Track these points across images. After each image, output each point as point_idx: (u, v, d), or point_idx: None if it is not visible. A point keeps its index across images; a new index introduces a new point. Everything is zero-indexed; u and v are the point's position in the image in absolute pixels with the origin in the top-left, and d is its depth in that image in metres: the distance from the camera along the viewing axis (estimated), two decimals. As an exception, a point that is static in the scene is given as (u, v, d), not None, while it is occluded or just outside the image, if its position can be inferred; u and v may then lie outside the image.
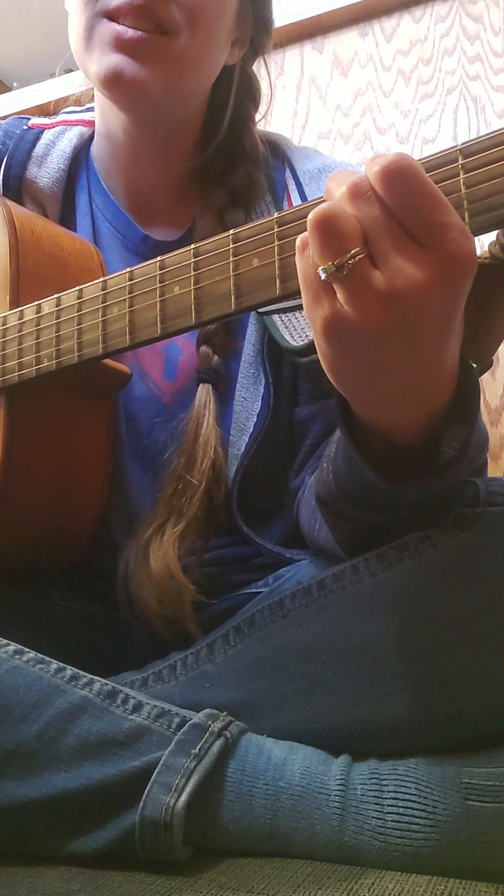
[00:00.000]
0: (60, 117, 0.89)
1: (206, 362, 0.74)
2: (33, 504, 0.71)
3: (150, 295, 0.57)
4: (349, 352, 0.44)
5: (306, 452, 0.75)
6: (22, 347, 0.66)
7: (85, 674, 0.59)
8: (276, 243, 0.49)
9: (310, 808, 0.53)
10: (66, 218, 0.83)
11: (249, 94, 0.83)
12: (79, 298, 0.63)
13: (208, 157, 0.81)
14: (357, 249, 0.41)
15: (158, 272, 0.57)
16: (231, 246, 0.52)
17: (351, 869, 0.50)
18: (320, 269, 0.42)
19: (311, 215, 0.41)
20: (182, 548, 0.68)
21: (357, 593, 0.58)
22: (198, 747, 0.54)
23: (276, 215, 0.50)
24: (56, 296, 0.64)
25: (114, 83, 0.69)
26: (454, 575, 0.55)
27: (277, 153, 0.84)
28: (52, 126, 0.86)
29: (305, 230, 0.43)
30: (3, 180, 0.82)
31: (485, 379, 1.16)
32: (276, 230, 0.50)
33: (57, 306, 0.64)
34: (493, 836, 0.49)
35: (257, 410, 0.73)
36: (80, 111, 0.89)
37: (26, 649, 0.60)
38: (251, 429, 0.73)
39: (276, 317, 0.72)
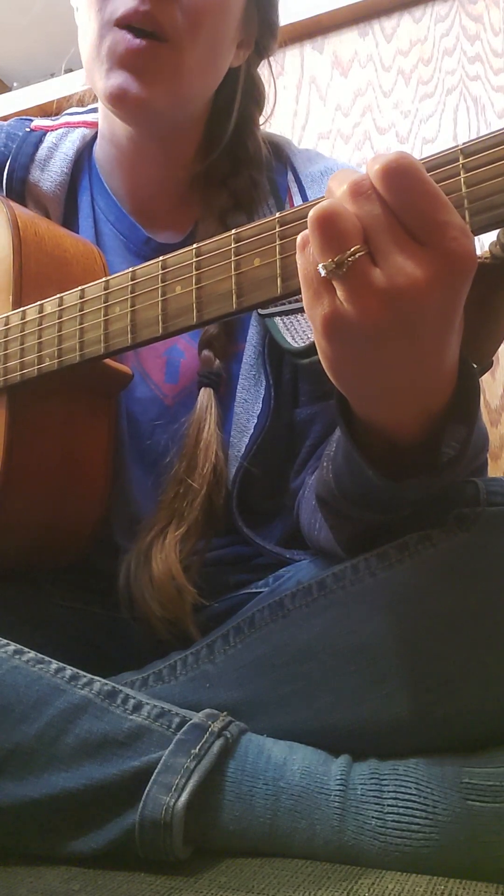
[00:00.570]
0: (63, 119, 0.89)
1: (208, 366, 0.74)
2: (34, 504, 0.71)
3: (152, 294, 0.57)
4: (349, 350, 0.44)
5: (307, 453, 0.75)
6: (24, 347, 0.66)
7: (85, 674, 0.59)
8: (278, 243, 0.50)
9: (310, 808, 0.53)
10: (69, 220, 0.83)
11: (253, 97, 0.83)
12: (81, 298, 0.63)
13: (212, 161, 0.81)
14: (357, 247, 0.41)
15: (160, 272, 0.57)
16: (233, 245, 0.52)
17: (351, 869, 0.50)
18: (320, 266, 0.42)
19: (311, 213, 0.42)
20: (183, 551, 0.69)
21: (357, 593, 0.58)
22: (198, 747, 0.54)
23: (277, 215, 0.50)
24: (58, 296, 0.65)
25: (119, 102, 0.70)
26: (454, 575, 0.55)
27: (280, 156, 0.84)
28: (54, 128, 0.86)
29: (307, 229, 0.43)
30: (6, 183, 0.82)
31: (485, 379, 1.17)
32: (277, 230, 0.50)
33: (59, 306, 0.64)
34: (493, 836, 0.49)
35: (258, 412, 0.73)
36: (83, 112, 0.89)
37: (26, 649, 0.60)
38: (251, 430, 0.73)
39: (277, 319, 0.72)
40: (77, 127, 0.86)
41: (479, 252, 0.44)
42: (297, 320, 0.72)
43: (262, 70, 0.84)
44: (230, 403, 0.75)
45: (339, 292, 0.42)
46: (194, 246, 0.55)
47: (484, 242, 0.49)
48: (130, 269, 0.59)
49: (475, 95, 1.24)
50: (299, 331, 0.71)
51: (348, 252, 0.41)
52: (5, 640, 0.61)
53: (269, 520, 0.77)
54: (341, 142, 1.31)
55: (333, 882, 0.48)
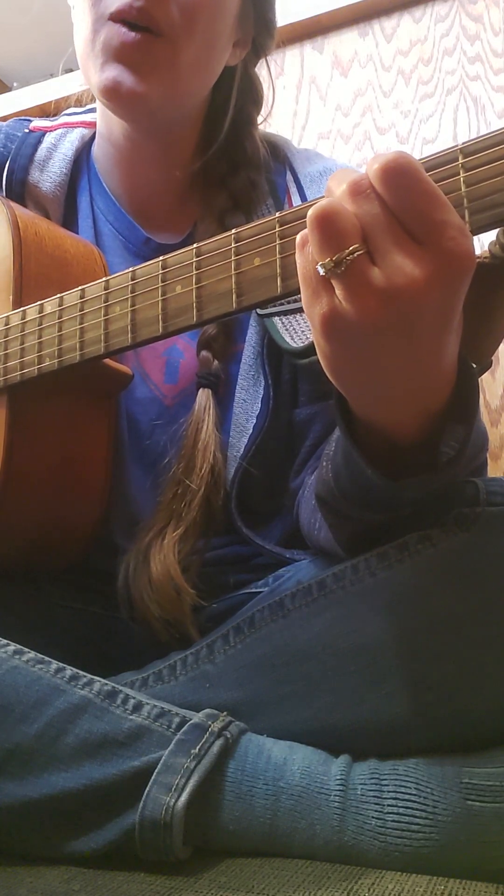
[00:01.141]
0: (61, 119, 0.89)
1: (207, 367, 0.75)
2: (34, 504, 0.71)
3: (152, 294, 0.58)
4: (347, 349, 0.44)
5: (306, 453, 0.75)
6: (24, 347, 0.66)
7: (85, 674, 0.59)
8: (278, 242, 0.50)
9: (310, 808, 0.53)
10: (69, 220, 0.83)
11: (251, 97, 0.83)
12: (81, 298, 0.63)
13: (209, 161, 0.81)
14: (356, 246, 0.41)
15: (161, 272, 0.57)
16: (233, 245, 0.52)
17: (351, 869, 0.50)
18: (319, 265, 0.42)
19: (310, 212, 0.42)
20: (182, 551, 0.69)
21: (357, 593, 0.58)
22: (198, 747, 0.54)
23: (277, 215, 0.50)
24: (58, 296, 0.65)
25: (113, 95, 0.70)
26: (454, 575, 0.55)
27: (278, 156, 0.84)
28: (53, 129, 0.86)
29: (306, 229, 0.43)
30: (6, 184, 0.82)
31: (485, 379, 1.16)
32: (277, 229, 0.50)
33: (59, 306, 0.64)
34: (493, 836, 0.49)
35: (257, 412, 0.73)
36: (81, 112, 0.89)
37: (26, 649, 0.60)
38: (250, 430, 0.73)
39: (276, 319, 0.72)
40: (75, 127, 0.86)
41: (478, 252, 0.44)
42: (296, 320, 0.72)
43: (261, 70, 0.84)
44: (229, 404, 0.75)
45: (337, 291, 0.42)
46: (194, 246, 0.55)
47: (483, 242, 0.49)
48: (131, 269, 0.60)
49: (475, 95, 1.24)
50: (298, 331, 0.71)
51: (347, 251, 0.41)
52: (5, 641, 0.61)
53: (268, 520, 0.77)
54: (341, 142, 1.31)
55: (333, 882, 0.48)
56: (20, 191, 0.82)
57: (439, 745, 0.55)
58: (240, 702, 0.61)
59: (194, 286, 0.55)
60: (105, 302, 0.61)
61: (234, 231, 0.53)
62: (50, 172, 0.82)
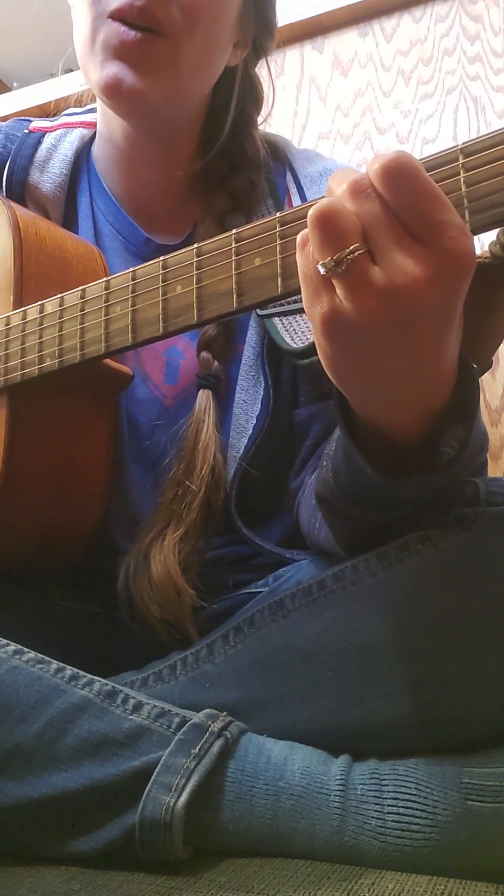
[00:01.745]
0: (61, 120, 0.89)
1: (207, 368, 0.75)
2: (34, 503, 0.71)
3: (153, 294, 0.58)
4: (347, 348, 0.44)
5: (306, 453, 0.75)
6: (25, 347, 0.66)
7: (85, 674, 0.59)
8: (278, 242, 0.50)
9: (310, 808, 0.53)
10: (69, 221, 0.83)
11: (251, 97, 0.83)
12: (82, 298, 0.63)
13: (209, 162, 0.81)
14: (356, 245, 0.41)
15: (161, 272, 0.57)
16: (233, 245, 0.52)
17: (351, 869, 0.50)
18: (319, 264, 0.42)
19: (311, 211, 0.42)
20: (182, 552, 0.69)
21: (357, 593, 0.58)
22: (198, 747, 0.54)
23: (277, 215, 0.50)
24: (59, 296, 0.65)
25: (113, 92, 0.70)
26: (454, 575, 0.55)
27: (278, 156, 0.84)
28: (53, 129, 0.86)
29: (307, 228, 0.43)
30: (6, 185, 0.82)
31: (485, 379, 1.16)
32: (277, 229, 0.50)
33: (60, 306, 0.64)
34: (493, 836, 0.49)
35: (256, 413, 0.73)
36: (81, 112, 0.89)
37: (26, 649, 0.60)
38: (250, 431, 0.73)
39: (276, 319, 0.72)
40: (75, 127, 0.86)
41: (478, 252, 0.44)
42: (296, 321, 0.72)
43: (261, 70, 0.84)
44: (229, 404, 0.75)
45: (338, 291, 0.42)
46: (195, 245, 0.55)
47: (484, 242, 0.49)
48: (131, 269, 0.60)
49: (475, 95, 1.24)
50: (298, 332, 0.71)
51: (347, 250, 0.41)
52: (5, 640, 0.61)
53: (268, 520, 0.77)
54: (341, 142, 1.31)
55: (333, 882, 0.48)
56: (20, 191, 0.82)
57: (439, 745, 0.55)
58: (240, 702, 0.61)
59: (195, 286, 0.55)
60: (106, 302, 0.61)
61: (234, 231, 0.53)
62: (50, 173, 0.82)
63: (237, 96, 0.80)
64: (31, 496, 0.71)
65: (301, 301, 0.45)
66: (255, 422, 0.73)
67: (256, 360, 0.75)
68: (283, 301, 0.69)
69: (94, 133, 0.85)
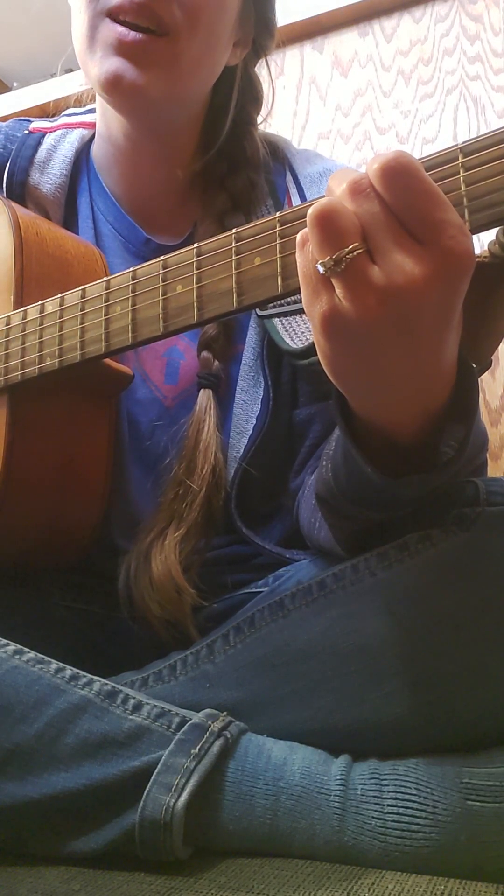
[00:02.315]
0: (61, 120, 0.89)
1: (207, 368, 0.75)
2: (34, 504, 0.71)
3: (153, 294, 0.58)
4: (347, 347, 0.44)
5: (306, 453, 0.75)
6: (25, 346, 0.66)
7: (85, 674, 0.59)
8: (278, 241, 0.50)
9: (310, 808, 0.53)
10: (69, 221, 0.83)
11: (251, 97, 0.83)
12: (82, 298, 0.63)
13: (209, 161, 0.80)
14: (356, 245, 0.41)
15: (161, 271, 0.57)
16: (233, 245, 0.52)
17: (351, 869, 0.50)
18: (319, 263, 0.42)
19: (310, 210, 0.42)
20: (183, 552, 0.69)
21: (357, 593, 0.58)
22: (198, 747, 0.54)
23: (277, 214, 0.50)
24: (59, 295, 0.65)
25: (113, 87, 0.69)
26: (454, 575, 0.55)
27: (278, 156, 0.84)
28: (52, 130, 0.86)
29: (306, 228, 0.43)
30: (6, 186, 0.82)
31: (485, 379, 1.16)
32: (277, 229, 0.50)
33: (60, 306, 0.64)
34: (493, 836, 0.49)
35: (256, 413, 0.73)
36: (81, 112, 0.89)
37: (26, 649, 0.60)
38: (250, 431, 0.73)
39: (276, 320, 0.72)
40: (75, 128, 0.86)
41: (478, 251, 0.44)
42: (296, 321, 0.72)
43: (261, 70, 0.84)
44: (229, 405, 0.75)
45: (337, 290, 0.42)
46: (195, 245, 0.55)
47: (483, 242, 0.49)
48: (131, 269, 0.60)
49: (475, 95, 1.24)
50: (298, 332, 0.71)
51: (346, 250, 0.41)
52: (5, 640, 0.61)
53: (268, 520, 0.77)
54: (341, 142, 1.31)
55: (333, 882, 0.48)
56: (21, 193, 0.82)
57: (439, 744, 0.55)
58: (240, 702, 0.61)
59: (195, 285, 0.55)
60: (106, 301, 0.61)
61: (234, 231, 0.53)
62: (50, 174, 0.82)
63: (237, 96, 0.80)
64: (31, 496, 0.71)
65: (301, 301, 0.45)
66: (254, 422, 0.73)
67: (256, 361, 0.75)
68: (282, 301, 0.70)
69: (94, 133, 0.85)
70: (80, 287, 0.63)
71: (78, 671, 0.59)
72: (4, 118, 0.91)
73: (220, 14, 0.72)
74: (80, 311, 0.63)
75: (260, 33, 0.81)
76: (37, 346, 0.66)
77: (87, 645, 0.76)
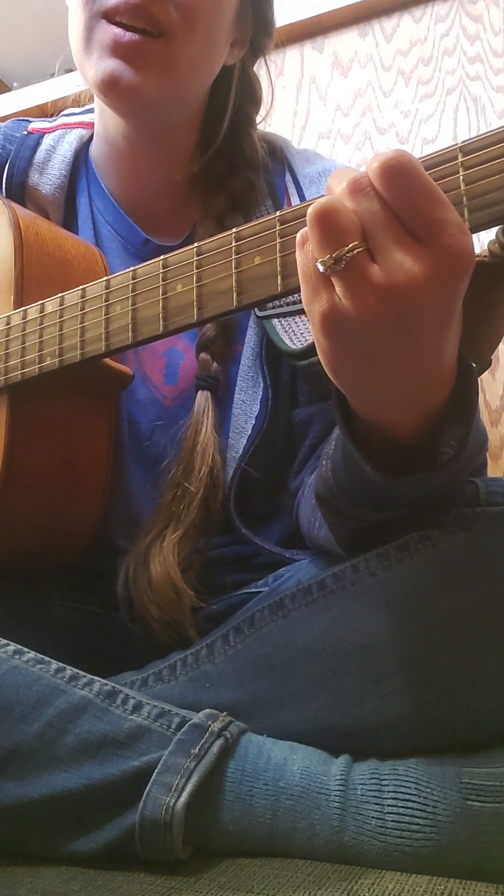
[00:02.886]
0: (60, 120, 0.89)
1: (206, 369, 0.75)
2: (34, 503, 0.71)
3: (153, 293, 0.58)
4: (347, 346, 0.44)
5: (306, 453, 0.75)
6: (25, 346, 0.66)
7: (85, 674, 0.59)
8: (278, 241, 0.50)
9: (310, 808, 0.53)
10: (68, 222, 0.83)
11: (249, 96, 0.83)
12: (82, 297, 0.63)
13: (208, 162, 0.80)
14: (355, 243, 0.41)
15: (161, 271, 0.57)
16: (233, 244, 0.52)
17: (351, 869, 0.50)
18: (319, 262, 0.42)
19: (310, 209, 0.42)
20: (181, 553, 0.69)
21: (357, 593, 0.58)
22: (198, 747, 0.54)
23: (277, 214, 0.50)
24: (59, 295, 0.65)
25: (110, 89, 0.69)
26: (454, 575, 0.55)
27: (277, 156, 0.84)
28: (51, 130, 0.86)
29: (306, 227, 0.43)
30: (5, 187, 0.82)
31: (485, 379, 1.16)
32: (277, 228, 0.50)
33: (60, 305, 0.64)
34: (493, 836, 0.49)
35: (255, 413, 0.73)
36: (80, 113, 0.89)
37: (26, 649, 0.60)
38: (249, 431, 0.73)
39: (275, 320, 0.72)
40: (74, 128, 0.86)
41: (477, 251, 0.44)
42: (296, 322, 0.72)
43: (260, 70, 0.84)
44: (229, 405, 0.75)
45: (337, 288, 0.42)
46: (195, 245, 0.55)
47: (483, 242, 0.49)
48: (131, 269, 0.60)
49: (475, 95, 1.24)
50: (297, 333, 0.71)
51: (346, 248, 0.41)
52: (5, 641, 0.61)
53: (268, 520, 0.77)
54: (341, 142, 1.31)
55: (333, 882, 0.48)
56: (20, 194, 0.82)
57: (439, 744, 0.55)
58: (240, 702, 0.61)
59: (195, 285, 0.55)
60: (106, 301, 0.61)
61: (234, 230, 0.53)
62: (49, 175, 0.82)
63: (235, 96, 0.80)
64: (31, 496, 0.71)
65: (300, 301, 0.45)
66: (254, 422, 0.73)
67: (255, 361, 0.75)
68: (282, 302, 0.70)
69: (93, 133, 0.85)
70: (80, 287, 0.63)
71: (78, 671, 0.59)
72: (4, 118, 0.91)
73: (217, 14, 0.72)
74: (80, 310, 0.63)
75: (258, 33, 0.81)
76: (37, 345, 0.66)
77: (87, 645, 0.76)
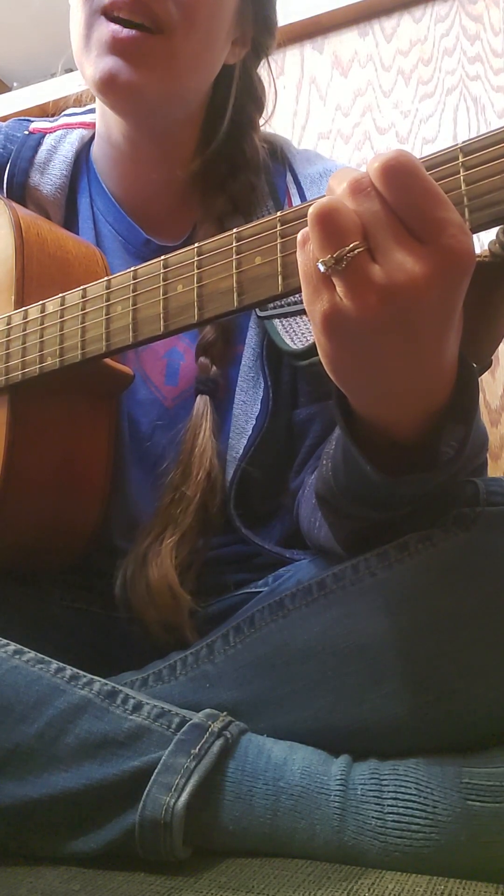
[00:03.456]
0: (61, 120, 0.89)
1: (205, 373, 0.75)
2: (34, 503, 0.71)
3: (154, 293, 0.58)
4: (347, 346, 0.44)
5: (306, 453, 0.75)
6: (26, 346, 0.66)
7: (85, 674, 0.59)
8: (279, 241, 0.50)
9: (310, 808, 0.53)
10: (69, 222, 0.83)
11: (251, 96, 0.83)
12: (83, 297, 0.63)
13: (209, 163, 0.80)
14: (356, 243, 0.41)
15: (162, 271, 0.57)
16: (234, 244, 0.52)
17: (351, 869, 0.50)
18: (320, 262, 0.42)
19: (311, 209, 0.42)
20: (179, 556, 0.69)
21: (357, 593, 0.58)
22: (198, 747, 0.54)
23: (278, 214, 0.50)
24: (60, 295, 0.65)
25: (109, 87, 0.69)
26: (454, 575, 0.55)
27: (278, 157, 0.84)
28: (52, 130, 0.86)
29: (307, 227, 0.43)
30: (6, 187, 0.82)
31: (485, 379, 1.16)
32: (278, 228, 0.50)
33: (61, 305, 0.64)
34: (493, 836, 0.49)
35: (256, 413, 0.73)
36: (81, 113, 0.89)
37: (26, 649, 0.60)
38: (249, 432, 0.73)
39: (276, 321, 0.72)
40: (75, 128, 0.86)
41: (478, 251, 0.44)
42: (296, 322, 0.72)
43: (262, 71, 0.84)
44: (229, 406, 0.75)
45: (338, 288, 0.42)
46: (195, 245, 0.55)
47: (483, 242, 0.49)
48: (132, 269, 0.60)
49: (475, 95, 1.24)
50: (298, 333, 0.71)
51: (347, 248, 0.41)
52: (5, 640, 0.61)
53: (268, 520, 0.77)
54: (341, 142, 1.31)
55: (333, 882, 0.48)
56: (21, 194, 0.82)
57: (439, 745, 0.55)
58: (240, 702, 0.61)
59: (195, 285, 0.55)
60: (107, 301, 0.61)
61: (235, 230, 0.53)
62: (50, 175, 0.82)
63: (235, 95, 0.80)
64: (31, 496, 0.71)
65: (301, 301, 0.45)
66: (254, 422, 0.73)
67: (256, 362, 0.75)
68: (282, 302, 0.70)
69: (94, 133, 0.85)
70: (81, 287, 0.63)
71: (78, 671, 0.59)
72: (4, 118, 0.91)
73: (217, 11, 0.72)
74: (81, 310, 0.63)
75: (259, 32, 0.80)
76: (37, 345, 0.66)
77: (87, 645, 0.76)
